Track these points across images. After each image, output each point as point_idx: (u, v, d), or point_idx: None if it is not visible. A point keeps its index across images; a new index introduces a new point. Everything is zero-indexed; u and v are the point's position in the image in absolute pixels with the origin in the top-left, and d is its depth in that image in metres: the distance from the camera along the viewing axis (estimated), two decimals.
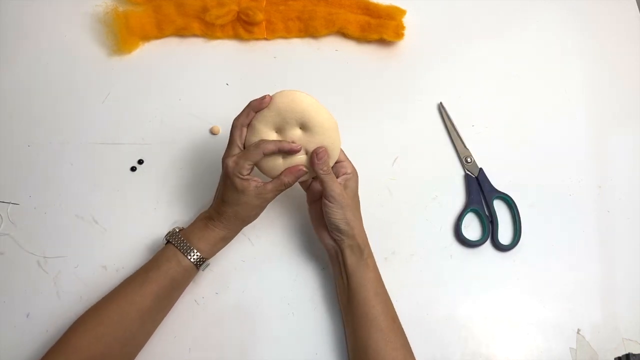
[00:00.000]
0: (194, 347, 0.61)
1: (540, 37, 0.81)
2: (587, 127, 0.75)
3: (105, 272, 0.64)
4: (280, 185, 0.58)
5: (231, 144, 0.58)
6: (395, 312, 0.59)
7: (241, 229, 0.61)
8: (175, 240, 0.58)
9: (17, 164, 0.70)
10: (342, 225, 0.58)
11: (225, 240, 0.61)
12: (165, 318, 0.61)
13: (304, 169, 0.58)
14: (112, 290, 0.57)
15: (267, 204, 0.60)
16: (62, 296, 0.63)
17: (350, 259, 0.59)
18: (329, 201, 0.58)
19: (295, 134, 0.58)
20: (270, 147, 0.56)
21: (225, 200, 0.58)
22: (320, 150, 0.57)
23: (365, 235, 0.61)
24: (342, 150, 0.61)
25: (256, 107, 0.57)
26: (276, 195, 0.59)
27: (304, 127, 0.57)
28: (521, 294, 0.66)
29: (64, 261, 0.65)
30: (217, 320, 0.63)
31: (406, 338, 0.58)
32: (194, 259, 0.57)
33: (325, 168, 0.58)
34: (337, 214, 0.58)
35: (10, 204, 0.68)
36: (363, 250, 0.59)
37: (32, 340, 0.60)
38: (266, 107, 0.57)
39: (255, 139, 0.58)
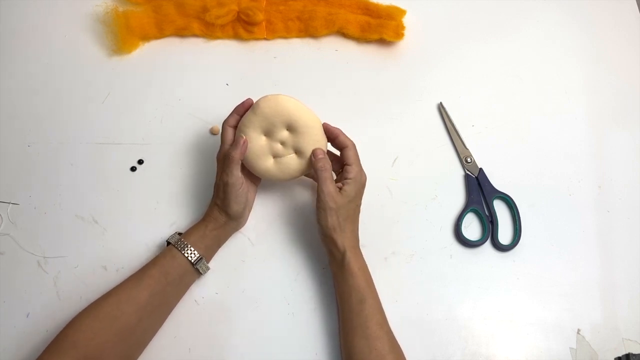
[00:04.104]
0: (194, 347, 0.61)
1: (540, 38, 0.81)
2: (587, 127, 0.75)
3: (105, 272, 0.64)
4: (230, 158, 0.59)
5: (222, 144, 0.62)
6: (382, 317, 0.58)
7: (230, 226, 0.63)
8: (173, 240, 0.61)
9: (17, 164, 0.70)
10: (323, 228, 0.59)
11: (218, 239, 0.63)
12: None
13: (244, 137, 0.59)
14: (111, 288, 0.58)
15: (240, 192, 0.60)
16: (62, 296, 0.63)
17: (332, 264, 0.61)
18: (317, 200, 0.59)
19: (283, 135, 0.60)
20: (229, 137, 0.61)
21: (214, 195, 0.62)
22: (317, 150, 0.60)
23: (353, 241, 0.60)
24: (353, 154, 0.61)
25: (240, 110, 0.61)
26: (235, 167, 0.59)
27: (290, 128, 0.60)
28: (521, 294, 0.66)
29: (64, 261, 0.65)
30: (217, 320, 0.63)
31: (395, 343, 0.58)
32: (187, 254, 0.59)
33: (320, 165, 0.59)
34: (320, 215, 0.59)
35: (10, 204, 0.68)
36: (343, 255, 0.59)
37: (32, 340, 0.61)
38: (249, 108, 0.60)
39: None
